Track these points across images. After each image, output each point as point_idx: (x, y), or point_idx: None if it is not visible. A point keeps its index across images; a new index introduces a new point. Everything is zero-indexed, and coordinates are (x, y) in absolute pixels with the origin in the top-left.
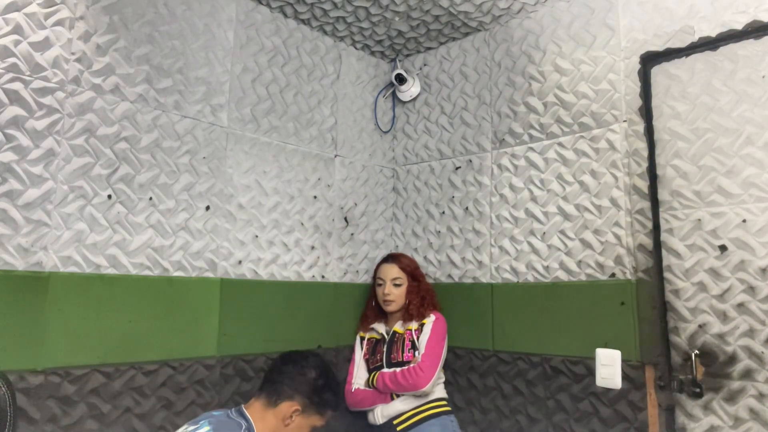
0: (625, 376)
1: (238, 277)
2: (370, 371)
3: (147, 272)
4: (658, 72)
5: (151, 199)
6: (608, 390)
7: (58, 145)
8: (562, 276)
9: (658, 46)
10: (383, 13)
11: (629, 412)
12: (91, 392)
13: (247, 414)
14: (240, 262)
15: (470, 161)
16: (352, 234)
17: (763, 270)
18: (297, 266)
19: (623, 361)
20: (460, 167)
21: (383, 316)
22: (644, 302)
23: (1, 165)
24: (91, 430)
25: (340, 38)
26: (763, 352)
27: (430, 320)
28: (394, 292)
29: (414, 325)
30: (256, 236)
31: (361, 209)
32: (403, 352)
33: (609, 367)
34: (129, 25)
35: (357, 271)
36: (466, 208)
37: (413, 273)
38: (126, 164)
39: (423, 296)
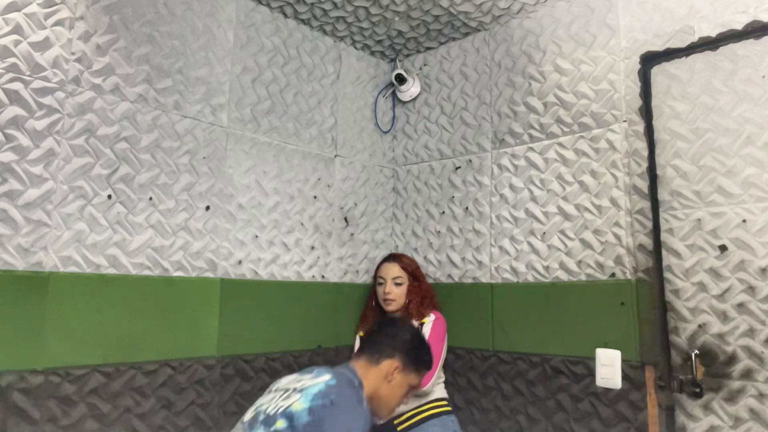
0: (625, 376)
1: (238, 277)
2: None
3: (147, 272)
4: (658, 72)
5: (151, 199)
6: (608, 390)
7: (58, 145)
8: (562, 276)
9: (658, 46)
10: (383, 13)
11: (629, 412)
12: (91, 392)
13: (355, 369)
14: (240, 262)
15: (470, 161)
16: (352, 234)
17: (763, 270)
18: (297, 266)
19: (623, 361)
20: (460, 167)
21: (383, 315)
22: (644, 302)
23: (1, 165)
24: (91, 430)
25: (340, 38)
26: (763, 352)
27: (429, 320)
28: (395, 291)
29: (417, 322)
30: (256, 236)
31: (361, 209)
32: None
33: (609, 367)
34: (129, 25)
35: (357, 271)
36: (466, 208)
37: (414, 273)
38: (126, 164)
39: (423, 296)
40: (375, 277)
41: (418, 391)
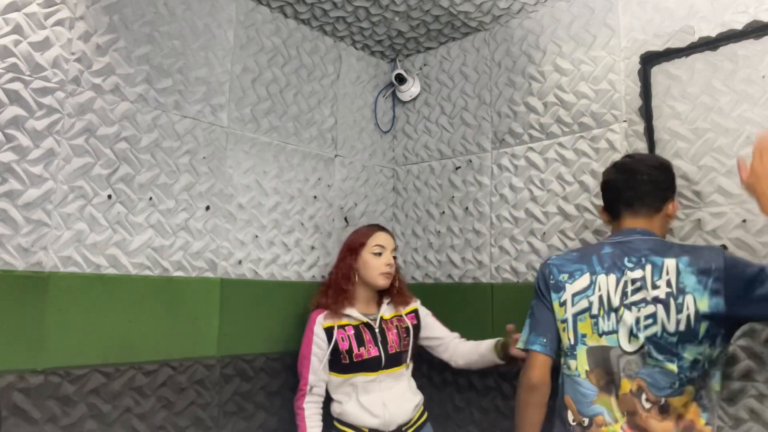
0: None
1: (238, 277)
2: (349, 366)
3: (147, 272)
4: (658, 72)
5: (151, 199)
6: None
7: (58, 145)
8: None
9: (658, 46)
10: (383, 13)
11: None
12: (91, 392)
13: (647, 229)
14: (240, 262)
15: (470, 161)
16: None
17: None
18: (297, 266)
19: None
20: (460, 167)
21: (350, 298)
22: None
23: (1, 165)
24: (91, 430)
25: (340, 38)
26: (762, 352)
27: (418, 305)
28: (394, 264)
29: (403, 310)
30: (256, 236)
31: (361, 209)
32: (400, 340)
33: None
34: (129, 25)
35: None
36: (466, 208)
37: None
38: (126, 164)
39: (402, 277)
40: (359, 246)
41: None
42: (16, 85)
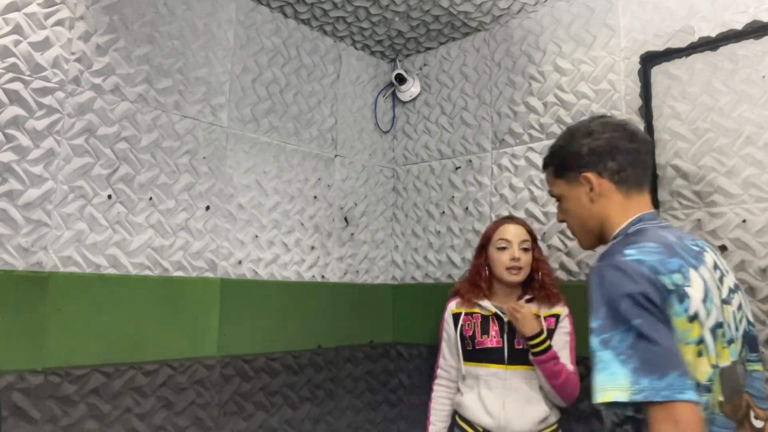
0: None
1: (238, 277)
2: (473, 353)
3: (147, 272)
4: (658, 72)
5: (151, 199)
6: None
7: (58, 145)
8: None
9: (658, 46)
10: (383, 13)
11: None
12: (91, 392)
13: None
14: (240, 262)
15: (470, 161)
16: (352, 234)
17: (763, 270)
18: (297, 266)
19: None
20: (460, 167)
21: (488, 291)
22: None
23: (1, 165)
24: (91, 430)
25: (340, 38)
26: (763, 352)
27: (564, 314)
28: (524, 258)
29: (545, 311)
30: (256, 236)
31: (361, 209)
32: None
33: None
34: (129, 25)
35: (357, 271)
36: (466, 208)
37: (536, 239)
38: (126, 164)
39: (548, 271)
40: (487, 241)
41: (561, 403)
42: (16, 85)
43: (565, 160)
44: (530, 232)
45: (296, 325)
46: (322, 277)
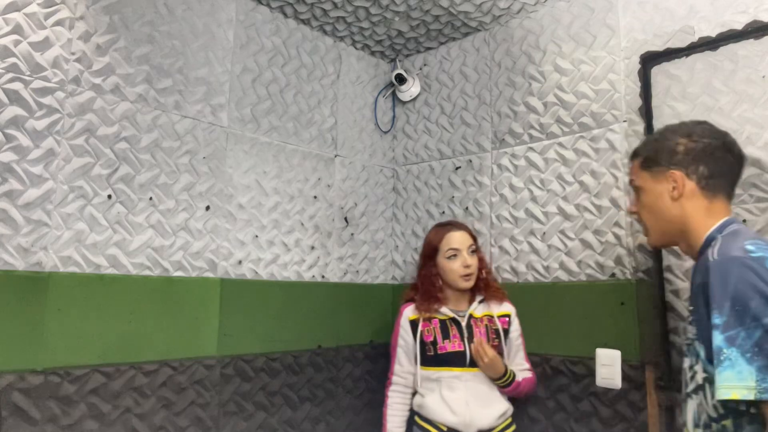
0: (625, 376)
1: (238, 277)
2: (434, 358)
3: (147, 272)
4: (658, 72)
5: (151, 199)
6: (608, 390)
7: (58, 145)
8: (562, 276)
9: (658, 46)
10: (383, 13)
11: (629, 412)
12: (91, 392)
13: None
14: (240, 262)
15: (470, 161)
16: (352, 234)
17: None
18: (297, 266)
19: (623, 361)
20: (460, 167)
21: (442, 299)
22: (644, 302)
23: (1, 165)
24: (91, 430)
25: (340, 38)
26: None
27: (513, 313)
28: (474, 262)
29: (496, 311)
30: (256, 236)
31: (361, 209)
32: (489, 340)
33: (609, 367)
34: (129, 25)
35: (357, 271)
36: (466, 208)
37: (476, 240)
38: (126, 164)
39: (490, 270)
40: (434, 251)
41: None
42: (16, 85)
43: (657, 154)
44: (472, 235)
45: (296, 325)
46: (322, 277)
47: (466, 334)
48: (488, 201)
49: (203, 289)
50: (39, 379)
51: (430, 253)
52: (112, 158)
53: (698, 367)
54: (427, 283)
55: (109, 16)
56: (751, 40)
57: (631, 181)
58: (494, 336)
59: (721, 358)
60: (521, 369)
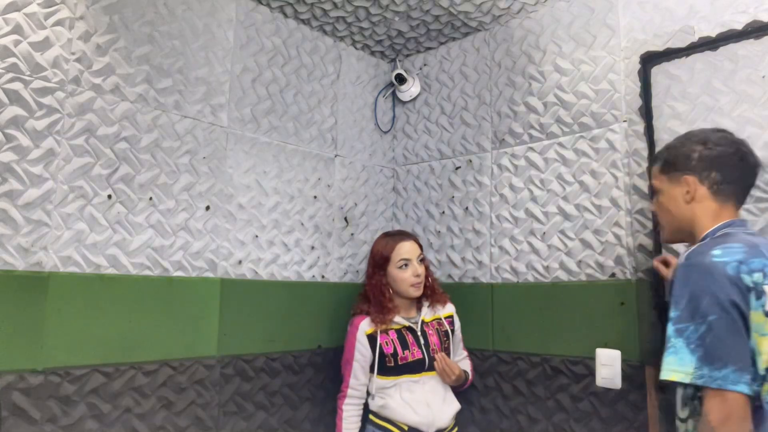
0: (625, 376)
1: (238, 277)
2: (394, 368)
3: (147, 272)
4: (658, 72)
5: (151, 199)
6: (608, 390)
7: (58, 145)
8: (562, 276)
9: (658, 46)
10: (383, 13)
11: (629, 412)
12: (91, 392)
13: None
14: (240, 262)
15: (470, 161)
16: (352, 234)
17: None
18: (297, 266)
19: (623, 361)
20: (460, 167)
21: (394, 307)
22: (644, 302)
23: (1, 165)
24: (91, 430)
25: (340, 38)
26: None
27: (454, 312)
28: (423, 271)
29: (441, 313)
30: (256, 236)
31: (361, 209)
32: (441, 342)
33: (609, 367)
34: (129, 25)
35: (357, 271)
36: (466, 208)
37: (422, 248)
38: (126, 164)
39: (434, 277)
40: (385, 261)
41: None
42: (16, 85)
43: (674, 159)
44: (420, 244)
45: (296, 325)
46: (322, 277)
47: (422, 341)
48: (488, 201)
49: (203, 289)
50: (39, 379)
51: (380, 262)
52: (112, 158)
53: None
54: (378, 293)
55: (109, 16)
56: (751, 40)
57: (650, 184)
58: (445, 338)
59: (668, 345)
60: (462, 358)
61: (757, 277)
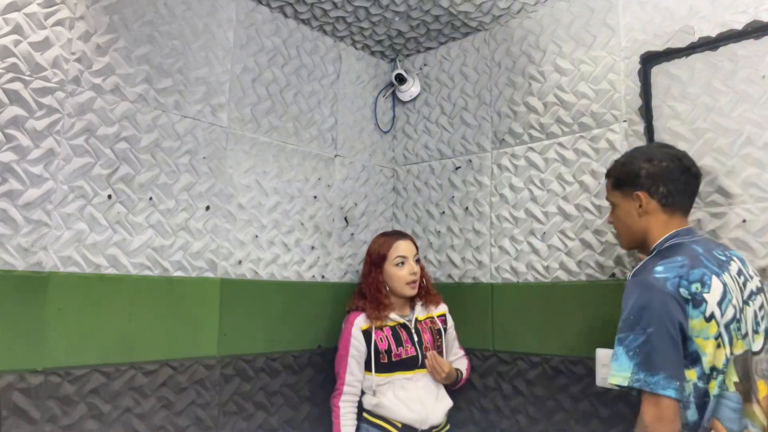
0: None
1: (238, 277)
2: (387, 365)
3: (147, 272)
4: (658, 72)
5: (151, 199)
6: (608, 390)
7: (58, 145)
8: (562, 276)
9: (658, 46)
10: (383, 13)
11: (629, 412)
12: (91, 392)
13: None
14: (240, 262)
15: (470, 161)
16: (352, 234)
17: (763, 270)
18: (297, 266)
19: None
20: (460, 167)
21: (389, 305)
22: None
23: (1, 165)
24: (91, 430)
25: (340, 38)
26: None
27: (447, 311)
28: (419, 270)
29: (434, 312)
30: (256, 236)
31: (361, 209)
32: (434, 340)
33: (609, 367)
34: (129, 25)
35: (357, 271)
36: (466, 208)
37: (418, 249)
38: (126, 164)
39: (429, 277)
40: (383, 258)
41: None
42: (16, 85)
43: (624, 177)
44: (416, 244)
45: (296, 325)
46: (322, 277)
47: (416, 338)
48: (488, 201)
49: (203, 289)
50: (39, 379)
51: (377, 260)
52: (112, 158)
53: None
54: (374, 290)
55: (109, 16)
56: (751, 40)
57: (606, 198)
58: (438, 336)
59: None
60: (458, 357)
61: (695, 287)
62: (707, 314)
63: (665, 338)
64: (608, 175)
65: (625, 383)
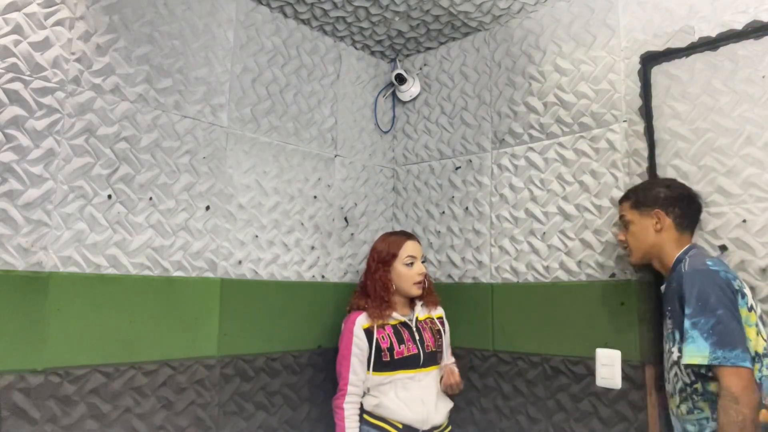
0: (625, 376)
1: (238, 277)
2: (389, 363)
3: (147, 272)
4: (658, 72)
5: (151, 199)
6: (608, 390)
7: (58, 145)
8: (562, 276)
9: (658, 46)
10: (383, 13)
11: (629, 412)
12: (91, 392)
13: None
14: (240, 262)
15: (470, 161)
16: (352, 234)
17: (763, 270)
18: (297, 266)
19: (623, 361)
20: (460, 167)
21: (392, 304)
22: (644, 302)
23: (1, 165)
24: (91, 430)
25: (340, 38)
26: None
27: (444, 315)
28: (425, 272)
29: (434, 314)
30: (256, 236)
31: (361, 209)
32: (435, 340)
33: (609, 367)
34: (129, 25)
35: (357, 271)
36: (466, 208)
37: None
38: (126, 164)
39: (431, 279)
40: (392, 257)
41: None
42: (16, 85)
43: (644, 198)
44: (421, 246)
45: (296, 325)
46: (322, 277)
47: (417, 337)
48: (488, 201)
49: (203, 289)
50: (39, 379)
51: (386, 258)
52: (112, 158)
53: (674, 349)
54: (380, 288)
55: (109, 16)
56: (751, 40)
57: (621, 217)
58: (438, 337)
59: (687, 337)
60: (451, 363)
61: (738, 282)
62: (749, 305)
63: (733, 318)
64: (626, 197)
65: (705, 362)
